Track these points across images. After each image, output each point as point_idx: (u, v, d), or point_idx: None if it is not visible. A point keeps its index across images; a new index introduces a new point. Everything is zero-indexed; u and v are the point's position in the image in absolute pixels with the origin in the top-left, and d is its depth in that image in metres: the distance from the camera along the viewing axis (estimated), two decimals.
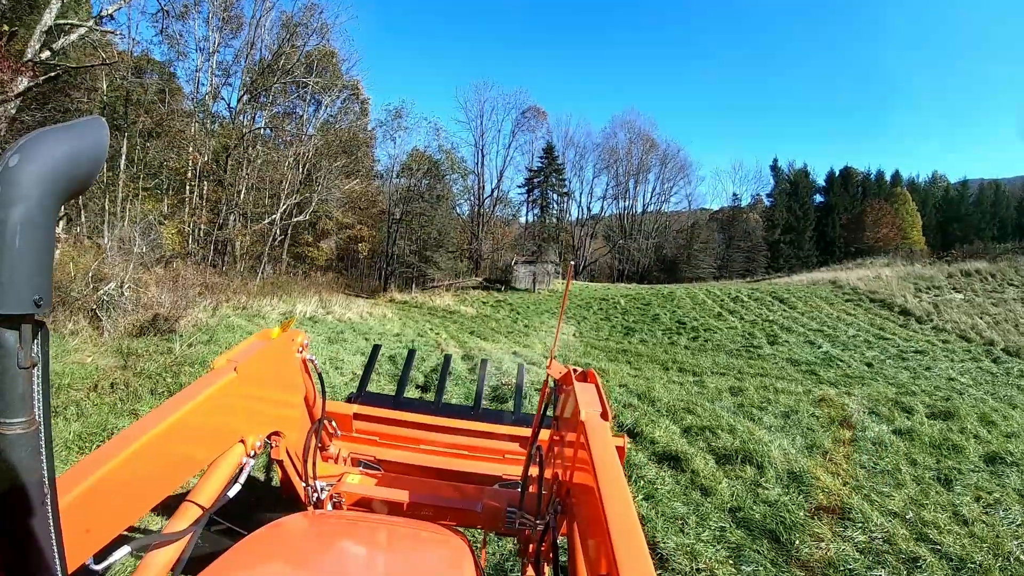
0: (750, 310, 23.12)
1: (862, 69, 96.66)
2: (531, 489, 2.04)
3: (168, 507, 1.46)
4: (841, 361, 14.74)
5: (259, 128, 26.74)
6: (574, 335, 19.09)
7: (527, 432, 2.74)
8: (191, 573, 1.27)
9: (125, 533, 1.18)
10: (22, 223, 0.65)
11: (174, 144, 20.46)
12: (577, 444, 1.51)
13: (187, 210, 22.82)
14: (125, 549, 1.13)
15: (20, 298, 0.66)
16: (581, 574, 1.29)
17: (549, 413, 2.21)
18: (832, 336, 18.39)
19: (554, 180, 50.56)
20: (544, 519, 1.67)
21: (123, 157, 18.53)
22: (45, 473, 0.75)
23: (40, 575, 0.77)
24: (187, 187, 23.60)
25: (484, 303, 29.02)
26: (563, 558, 1.54)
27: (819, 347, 16.79)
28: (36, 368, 0.72)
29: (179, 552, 1.32)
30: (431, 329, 17.49)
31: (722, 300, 25.73)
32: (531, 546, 1.87)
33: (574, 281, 40.04)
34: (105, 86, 17.38)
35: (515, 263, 35.83)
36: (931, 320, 19.88)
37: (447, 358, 3.92)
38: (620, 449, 2.28)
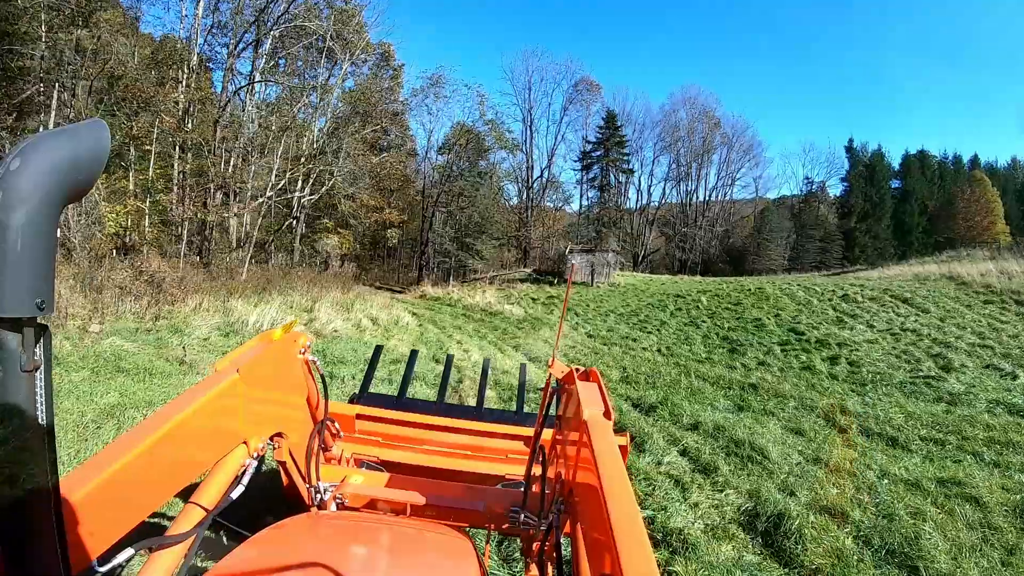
0: (875, 315, 17.92)
1: (939, 43, 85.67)
2: (534, 489, 2.00)
3: (172, 509, 1.56)
4: None
5: (257, 82, 22.66)
6: (658, 351, 14.46)
7: (530, 432, 2.67)
8: (195, 575, 1.33)
9: (131, 534, 1.15)
10: (23, 226, 0.64)
11: (138, 104, 16.75)
12: (580, 443, 1.48)
13: (173, 186, 19.20)
14: (129, 551, 1.11)
15: (22, 301, 0.65)
16: (584, 573, 1.28)
17: (552, 412, 2.13)
18: (1011, 357, 13.30)
19: (615, 155, 43.30)
20: (547, 518, 1.66)
21: (52, 117, 14.73)
22: (48, 476, 0.74)
23: None
24: (152, 158, 19.75)
25: (534, 300, 24.66)
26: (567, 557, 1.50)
27: (1013, 377, 11.81)
28: (39, 371, 0.71)
29: (183, 554, 1.30)
30: (458, 344, 13.12)
31: (830, 299, 20.57)
32: (534, 545, 1.86)
33: (634, 274, 35.30)
34: (44, 31, 14.02)
35: (569, 252, 31.17)
36: None
37: (449, 357, 3.81)
38: (623, 448, 2.21)
